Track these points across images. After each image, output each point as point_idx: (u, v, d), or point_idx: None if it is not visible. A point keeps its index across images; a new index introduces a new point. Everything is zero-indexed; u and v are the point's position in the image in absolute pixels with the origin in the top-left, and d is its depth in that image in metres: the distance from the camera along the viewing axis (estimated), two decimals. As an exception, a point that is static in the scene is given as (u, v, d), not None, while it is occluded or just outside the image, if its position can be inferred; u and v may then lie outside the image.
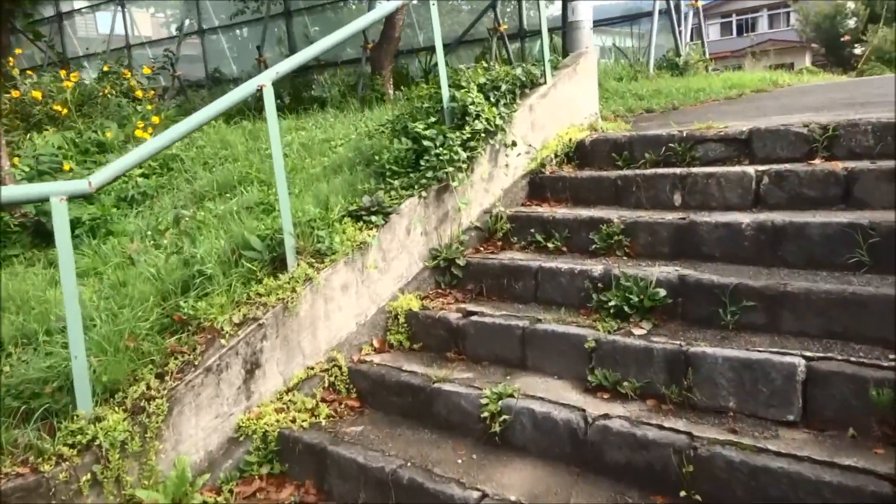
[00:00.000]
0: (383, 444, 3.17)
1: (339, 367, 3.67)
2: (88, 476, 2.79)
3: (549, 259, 4.01)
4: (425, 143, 4.32)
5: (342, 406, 3.54)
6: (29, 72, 9.19)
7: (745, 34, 39.97)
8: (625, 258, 3.89)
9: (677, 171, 4.25)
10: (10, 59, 8.95)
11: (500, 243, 4.46)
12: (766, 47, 30.25)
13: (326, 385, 3.63)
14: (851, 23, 33.79)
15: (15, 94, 7.81)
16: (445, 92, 4.52)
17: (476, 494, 2.68)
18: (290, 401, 3.47)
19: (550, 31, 8.25)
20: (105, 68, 9.23)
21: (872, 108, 4.99)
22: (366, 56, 10.47)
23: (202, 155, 6.51)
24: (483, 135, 4.49)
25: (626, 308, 3.36)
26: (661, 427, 2.72)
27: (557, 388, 3.18)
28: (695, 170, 4.18)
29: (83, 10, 16.65)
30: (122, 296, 3.63)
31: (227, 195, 5.19)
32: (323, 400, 3.53)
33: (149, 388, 3.07)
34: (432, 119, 4.50)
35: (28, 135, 7.18)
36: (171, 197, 5.59)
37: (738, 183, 3.94)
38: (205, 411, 3.21)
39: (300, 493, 3.16)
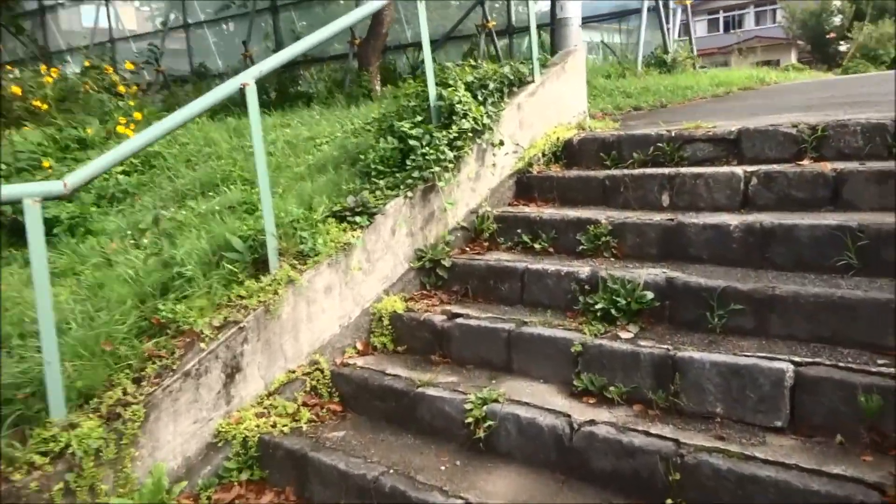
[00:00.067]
0: (365, 450, 3.11)
1: (322, 371, 3.60)
2: (61, 485, 2.70)
3: (536, 260, 3.96)
4: (411, 142, 4.26)
5: (324, 410, 3.47)
6: (9, 66, 9.05)
7: (731, 31, 40.15)
8: (612, 259, 3.84)
9: (666, 171, 4.21)
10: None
11: (486, 244, 4.40)
12: (752, 44, 30.40)
13: (308, 389, 3.56)
14: (837, 20, 34.01)
15: (-6, 89, 7.67)
16: (432, 90, 4.45)
17: (459, 503, 2.63)
18: (270, 405, 3.40)
19: (539, 27, 8.19)
20: (86, 63, 9.06)
21: (860, 107, 4.98)
22: (353, 52, 10.40)
23: (185, 152, 6.41)
24: (470, 134, 4.43)
25: (612, 311, 3.32)
26: (647, 433, 2.68)
27: (543, 393, 3.13)
28: (683, 170, 4.14)
29: (67, 4, 16.42)
30: (99, 298, 3.55)
31: (210, 194, 5.09)
32: (304, 404, 3.47)
33: (125, 393, 2.99)
34: (419, 118, 4.43)
35: (7, 131, 7.04)
36: (153, 195, 5.49)
37: (726, 184, 3.90)
38: (183, 417, 3.14)
39: (280, 499, 3.10)
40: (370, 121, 5.08)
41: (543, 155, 4.92)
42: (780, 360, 2.71)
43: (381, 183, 4.23)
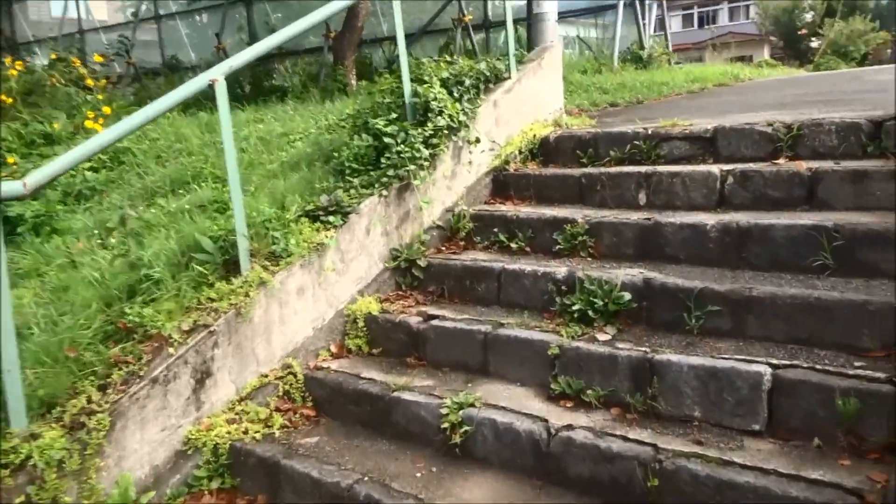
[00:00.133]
0: (339, 457, 3.04)
1: (295, 375, 3.52)
2: (22, 498, 2.60)
3: (513, 260, 3.92)
4: (386, 139, 4.18)
5: (297, 416, 3.40)
6: (-29, 58, 8.77)
7: (706, 26, 40.42)
8: (589, 259, 3.81)
9: (642, 169, 4.19)
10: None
11: (462, 243, 4.35)
12: (726, 40, 30.65)
13: (281, 394, 3.48)
14: (809, 17, 34.47)
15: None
16: (407, 87, 4.37)
17: (435, 511, 2.58)
18: (242, 411, 3.31)
19: (515, 22, 8.12)
20: (52, 56, 8.82)
21: (833, 105, 5.01)
22: (328, 45, 10.24)
23: (155, 148, 6.25)
24: (446, 131, 4.37)
25: (590, 312, 3.28)
26: (625, 438, 2.65)
27: (520, 397, 3.09)
28: (660, 168, 4.12)
29: (34, -8, 16.03)
30: (63, 301, 3.44)
31: (181, 192, 4.96)
32: (277, 409, 3.39)
33: (90, 401, 2.88)
34: (394, 115, 4.36)
35: (-31, 126, 6.81)
36: (122, 193, 5.34)
37: (703, 182, 3.89)
38: (151, 424, 3.04)
39: (252, 508, 3.03)
40: (345, 117, 4.99)
41: (520, 152, 4.88)
42: (757, 362, 2.69)
43: (356, 181, 4.15)
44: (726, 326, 3.03)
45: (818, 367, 2.63)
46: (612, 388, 2.94)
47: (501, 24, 9.49)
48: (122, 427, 2.93)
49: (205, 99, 7.74)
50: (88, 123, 6.71)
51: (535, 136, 4.97)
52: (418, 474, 2.86)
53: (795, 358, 2.72)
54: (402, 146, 4.15)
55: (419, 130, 4.23)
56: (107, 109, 7.31)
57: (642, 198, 4.10)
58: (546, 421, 2.83)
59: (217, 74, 3.52)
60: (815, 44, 32.36)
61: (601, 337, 3.14)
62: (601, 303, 3.28)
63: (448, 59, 5.05)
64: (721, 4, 42.87)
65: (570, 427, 2.77)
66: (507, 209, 4.41)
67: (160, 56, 13.63)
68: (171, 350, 3.14)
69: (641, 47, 10.80)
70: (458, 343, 3.47)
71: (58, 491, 2.69)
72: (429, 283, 4.06)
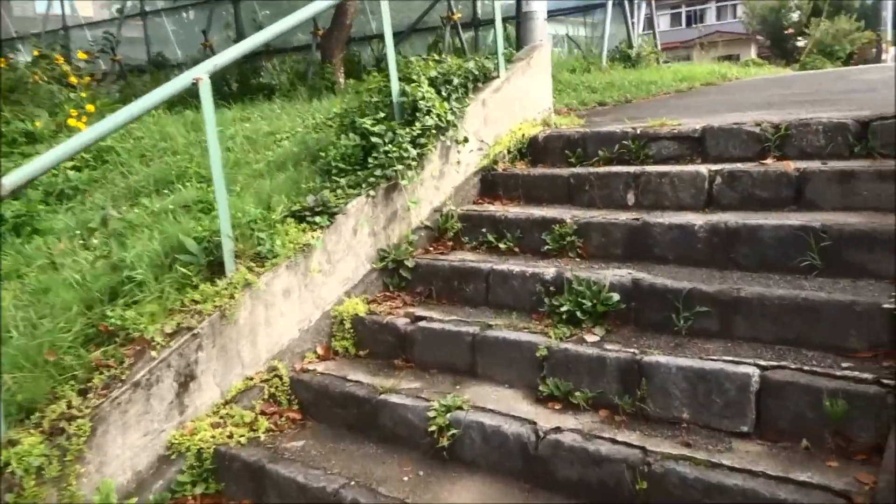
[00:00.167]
0: (326, 461, 3.00)
1: (281, 378, 3.48)
2: (1, 506, 2.57)
3: (501, 261, 3.89)
4: (374, 139, 4.14)
5: (283, 419, 3.35)
6: (-47, 55, 8.65)
7: (693, 25, 40.60)
8: (577, 260, 3.79)
9: (631, 169, 4.17)
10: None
11: (450, 243, 4.32)
12: (713, 39, 30.85)
13: (267, 397, 3.43)
14: (795, 16, 34.71)
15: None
16: (395, 86, 4.33)
17: (423, 516, 2.55)
18: (227, 414, 3.27)
19: (504, 20, 8.11)
20: (35, 53, 8.70)
21: (820, 105, 5.02)
22: (316, 43, 10.16)
23: (139, 146, 6.17)
24: (434, 131, 4.33)
25: (578, 313, 3.26)
26: (614, 441, 2.63)
27: (508, 399, 3.07)
28: (649, 168, 4.11)
29: (18, -12, 15.83)
30: (43, 303, 3.37)
31: (165, 191, 4.90)
32: (262, 413, 3.34)
33: (70, 406, 2.83)
34: (381, 114, 4.32)
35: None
36: (105, 192, 5.27)
37: (691, 183, 3.88)
38: (133, 429, 2.99)
39: (237, 513, 2.99)
40: (332, 116, 4.94)
41: (509, 152, 4.85)
42: (745, 364, 2.68)
43: (343, 181, 4.11)
44: (714, 327, 3.02)
45: (806, 368, 2.62)
46: (601, 390, 2.92)
47: (490, 22, 9.46)
48: (103, 432, 2.88)
49: (191, 97, 7.65)
50: (72, 122, 6.62)
51: (523, 135, 4.94)
52: (405, 478, 2.83)
53: (783, 359, 2.72)
54: (390, 146, 4.11)
55: (407, 130, 4.20)
56: (91, 107, 7.21)
57: (631, 198, 4.09)
58: (534, 423, 2.80)
59: (201, 73, 3.48)
60: (801, 43, 32.58)
61: (589, 338, 3.12)
62: (590, 304, 3.26)
63: (437, 57, 5.02)
64: (708, 3, 43.10)
65: (558, 430, 2.75)
66: (496, 209, 4.38)
67: (146, 53, 13.48)
68: (153, 353, 3.09)
69: (630, 46, 10.80)
70: (445, 345, 3.44)
71: (37, 498, 2.64)
72: (417, 283, 4.03)
